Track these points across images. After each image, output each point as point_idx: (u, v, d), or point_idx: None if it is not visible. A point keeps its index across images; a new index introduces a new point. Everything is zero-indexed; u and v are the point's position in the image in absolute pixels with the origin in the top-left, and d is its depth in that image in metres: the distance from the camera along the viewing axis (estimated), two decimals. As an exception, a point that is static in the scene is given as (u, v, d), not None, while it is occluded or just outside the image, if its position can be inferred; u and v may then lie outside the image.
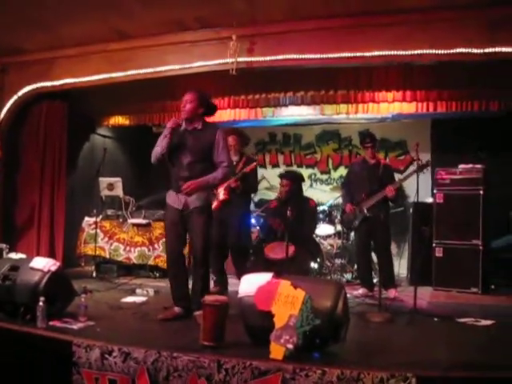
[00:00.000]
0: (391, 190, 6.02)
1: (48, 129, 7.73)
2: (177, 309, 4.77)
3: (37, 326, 4.08)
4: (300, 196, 7.02)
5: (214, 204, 6.05)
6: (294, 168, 9.30)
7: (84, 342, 3.67)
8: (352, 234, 7.89)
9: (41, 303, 4.12)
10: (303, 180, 7.18)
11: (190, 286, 4.85)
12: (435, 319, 4.98)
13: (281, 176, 7.20)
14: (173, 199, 4.83)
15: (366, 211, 6.15)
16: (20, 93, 7.41)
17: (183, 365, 3.35)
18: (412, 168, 6.15)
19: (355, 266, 7.62)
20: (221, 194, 6.12)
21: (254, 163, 6.37)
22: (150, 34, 6.48)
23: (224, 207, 6.15)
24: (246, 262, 6.58)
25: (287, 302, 3.54)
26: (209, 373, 3.28)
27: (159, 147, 4.76)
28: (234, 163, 6.33)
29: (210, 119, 5.13)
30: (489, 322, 4.86)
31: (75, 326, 4.23)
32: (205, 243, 4.72)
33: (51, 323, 4.21)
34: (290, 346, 3.36)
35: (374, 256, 6.73)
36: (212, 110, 5.03)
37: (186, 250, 4.99)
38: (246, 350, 3.64)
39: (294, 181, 6.96)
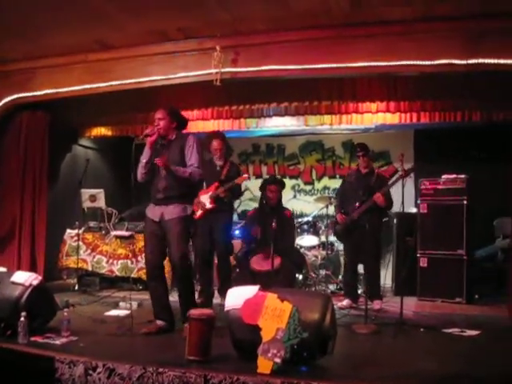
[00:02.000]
0: (379, 196, 6.02)
1: (29, 139, 7.57)
2: (159, 322, 4.76)
3: (18, 342, 4.03)
4: (281, 205, 6.94)
5: (199, 213, 6.04)
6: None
7: (67, 357, 3.62)
8: (336, 244, 7.87)
9: (22, 318, 4.06)
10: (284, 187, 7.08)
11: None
12: (421, 330, 4.99)
13: (268, 181, 6.91)
14: (151, 212, 4.88)
15: (356, 220, 6.11)
16: (0, 103, 7.29)
17: (169, 380, 3.31)
18: (399, 174, 6.12)
19: (339, 277, 7.59)
20: (207, 203, 6.10)
21: (246, 175, 6.42)
22: (132, 44, 6.42)
23: (209, 215, 6.13)
24: (230, 271, 6.55)
25: (274, 316, 3.51)
26: (195, 388, 3.24)
27: (140, 165, 4.87)
28: (218, 168, 6.33)
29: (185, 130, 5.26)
30: (474, 333, 4.87)
31: (58, 342, 4.17)
32: (181, 254, 4.73)
33: (33, 339, 4.15)
34: (278, 360, 3.33)
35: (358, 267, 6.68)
36: (184, 123, 5.15)
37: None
38: (233, 364, 3.61)
39: (281, 187, 6.86)
